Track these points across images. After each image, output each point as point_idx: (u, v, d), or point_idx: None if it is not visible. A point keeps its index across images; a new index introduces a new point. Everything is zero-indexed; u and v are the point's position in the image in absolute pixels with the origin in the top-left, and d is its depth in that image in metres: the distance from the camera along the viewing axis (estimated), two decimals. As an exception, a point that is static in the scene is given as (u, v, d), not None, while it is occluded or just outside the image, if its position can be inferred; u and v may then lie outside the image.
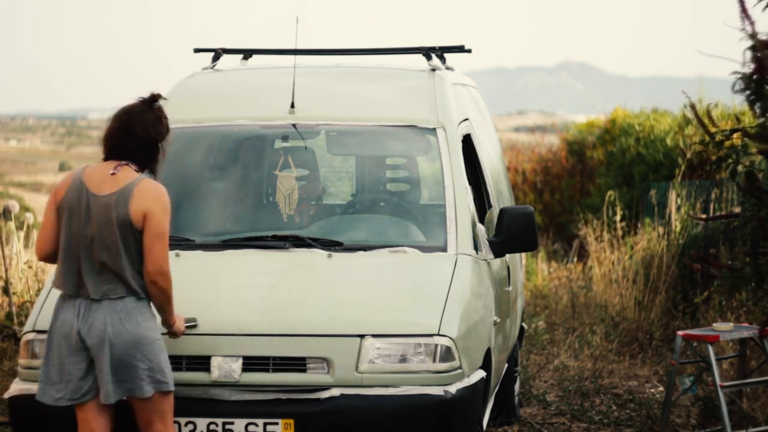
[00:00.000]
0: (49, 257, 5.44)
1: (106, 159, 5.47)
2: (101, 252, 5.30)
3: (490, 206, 7.41)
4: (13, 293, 11.36)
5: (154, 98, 5.48)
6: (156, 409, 5.37)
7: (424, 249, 6.34)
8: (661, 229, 12.22)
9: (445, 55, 7.71)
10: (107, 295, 5.30)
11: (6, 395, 5.87)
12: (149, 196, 5.33)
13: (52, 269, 12.12)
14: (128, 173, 5.37)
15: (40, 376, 5.39)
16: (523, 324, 9.29)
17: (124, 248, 5.30)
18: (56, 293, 6.03)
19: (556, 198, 21.62)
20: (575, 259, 16.24)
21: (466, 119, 7.35)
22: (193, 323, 5.67)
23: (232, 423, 5.63)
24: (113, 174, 5.37)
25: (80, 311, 5.31)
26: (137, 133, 5.39)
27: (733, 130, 7.12)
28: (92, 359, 5.32)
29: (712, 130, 7.21)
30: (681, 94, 9.25)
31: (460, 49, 7.67)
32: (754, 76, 6.82)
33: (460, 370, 5.75)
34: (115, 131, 5.42)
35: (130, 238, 5.31)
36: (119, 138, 5.40)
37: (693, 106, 7.54)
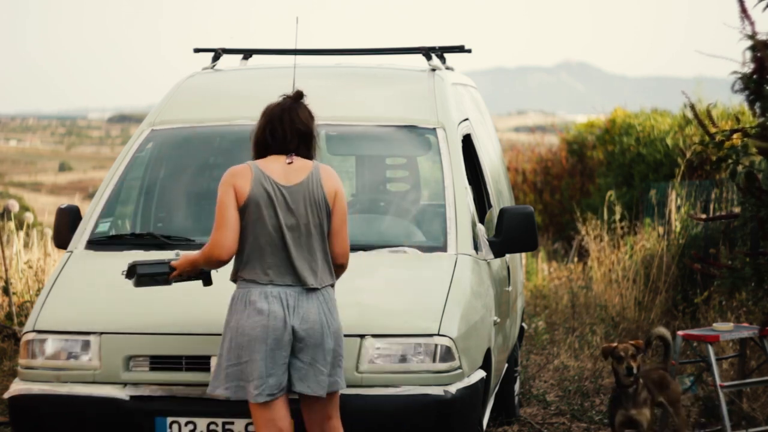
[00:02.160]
0: (231, 257, 5.34)
1: (259, 157, 5.44)
2: (311, 239, 5.32)
3: (490, 206, 7.41)
4: (13, 293, 11.36)
5: (300, 95, 5.52)
6: (336, 402, 5.41)
7: (424, 249, 6.34)
8: (661, 229, 12.22)
9: (445, 55, 7.71)
10: (324, 282, 5.33)
11: (6, 395, 5.87)
12: (334, 177, 5.43)
13: (51, 269, 12.12)
14: (303, 162, 5.41)
15: (231, 374, 5.26)
16: (523, 324, 9.30)
17: (325, 232, 5.36)
18: (59, 293, 6.03)
19: (556, 198, 21.62)
20: (575, 259, 16.24)
21: (466, 119, 7.35)
22: None
23: (232, 423, 5.63)
24: (290, 164, 5.38)
25: (288, 303, 5.27)
26: (297, 128, 5.41)
27: (734, 130, 7.13)
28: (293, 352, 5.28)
29: (712, 130, 7.22)
30: (681, 94, 9.26)
31: (460, 49, 7.67)
32: (754, 76, 6.82)
33: (460, 370, 5.75)
34: (271, 130, 5.42)
35: (325, 220, 5.36)
36: (277, 136, 5.41)
37: (693, 106, 7.54)
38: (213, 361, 5.66)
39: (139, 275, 5.48)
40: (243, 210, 5.31)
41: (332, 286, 5.42)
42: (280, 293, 5.28)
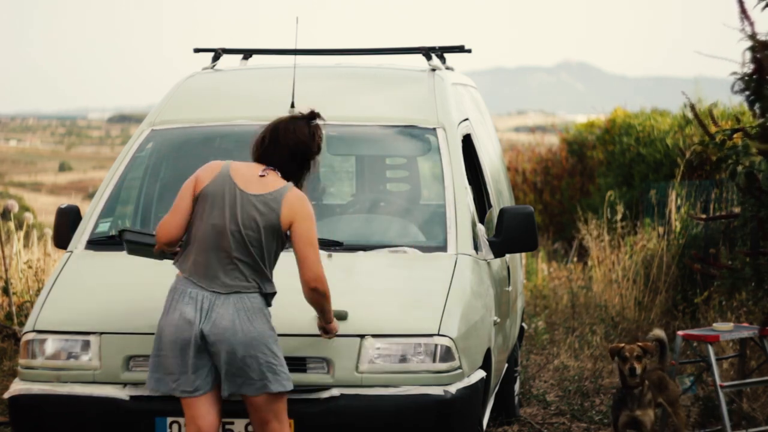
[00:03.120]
0: (174, 243, 5.42)
1: (254, 160, 5.49)
2: (239, 248, 5.32)
3: (490, 206, 7.41)
4: (13, 293, 11.36)
5: (313, 115, 5.52)
6: (276, 407, 5.40)
7: (424, 249, 6.34)
8: (661, 229, 12.22)
9: (445, 55, 7.71)
10: (235, 290, 5.32)
11: (6, 395, 5.87)
12: (296, 205, 5.35)
13: (51, 269, 12.12)
14: (276, 178, 5.40)
15: (152, 366, 5.35)
16: (523, 324, 9.30)
17: (266, 248, 5.34)
18: (59, 293, 6.03)
19: (556, 198, 21.60)
20: (575, 259, 16.23)
21: (466, 119, 7.35)
22: (343, 316, 5.69)
23: (232, 423, 5.63)
24: (262, 176, 5.39)
25: (203, 305, 5.30)
26: (288, 144, 5.42)
27: (734, 130, 7.13)
28: (209, 354, 5.32)
29: (713, 130, 7.21)
30: (681, 94, 9.26)
31: (460, 49, 7.67)
32: (754, 77, 6.82)
33: (460, 370, 5.75)
34: (267, 139, 5.45)
35: (271, 241, 5.35)
36: (269, 146, 5.44)
37: (693, 106, 7.54)
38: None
39: (127, 240, 5.61)
40: (196, 201, 5.38)
41: (263, 297, 5.38)
42: (197, 295, 5.31)
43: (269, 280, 5.43)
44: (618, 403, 7.03)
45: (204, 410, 5.35)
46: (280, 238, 5.39)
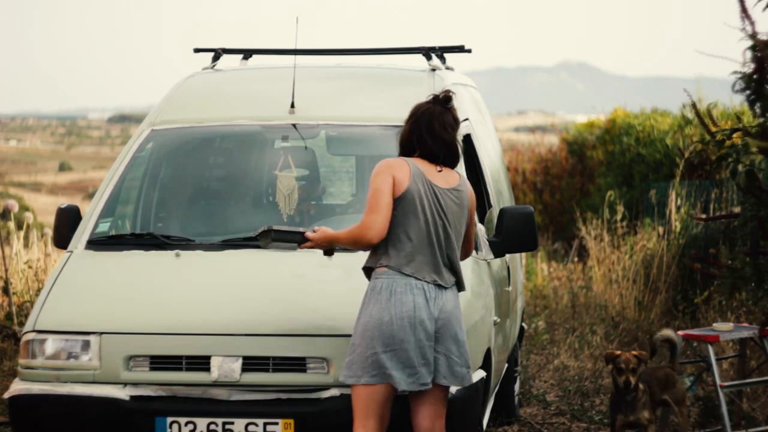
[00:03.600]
0: (381, 238, 5.44)
1: (406, 155, 5.56)
2: (449, 241, 5.46)
3: (490, 206, 7.41)
4: (13, 293, 11.36)
5: (448, 98, 5.59)
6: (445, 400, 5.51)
7: (424, 249, 6.32)
8: (661, 229, 12.22)
9: (445, 55, 7.70)
10: (448, 283, 5.47)
11: (6, 395, 5.87)
12: (472, 193, 5.65)
13: (51, 269, 12.12)
14: (449, 171, 5.56)
15: (378, 362, 5.32)
16: (523, 324, 9.29)
17: (462, 237, 5.57)
18: (59, 293, 6.03)
19: (556, 198, 21.60)
20: (575, 259, 16.24)
21: (466, 119, 7.34)
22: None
23: (232, 423, 5.63)
24: (440, 171, 5.52)
25: (432, 295, 5.40)
26: (438, 134, 5.51)
27: (734, 129, 7.12)
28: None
29: (713, 129, 7.21)
30: (681, 94, 9.25)
31: (460, 49, 7.67)
32: (754, 76, 6.82)
33: (460, 370, 5.74)
34: (418, 132, 5.54)
35: (463, 228, 5.57)
36: (422, 138, 5.52)
37: (694, 105, 7.54)
38: (213, 361, 5.66)
39: (276, 232, 5.56)
40: (398, 200, 5.42)
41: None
42: (423, 287, 5.39)
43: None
44: (613, 407, 7.03)
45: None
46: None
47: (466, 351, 5.47)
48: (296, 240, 5.58)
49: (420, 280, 5.39)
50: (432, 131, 5.51)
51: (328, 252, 5.67)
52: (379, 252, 5.44)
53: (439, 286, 5.42)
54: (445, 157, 5.53)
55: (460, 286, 5.55)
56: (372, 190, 5.42)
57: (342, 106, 7.05)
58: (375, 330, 5.32)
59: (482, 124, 8.17)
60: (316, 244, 5.57)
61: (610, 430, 7.11)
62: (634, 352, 6.97)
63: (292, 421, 5.57)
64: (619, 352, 6.96)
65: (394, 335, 5.31)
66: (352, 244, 5.47)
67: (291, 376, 5.65)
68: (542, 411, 9.04)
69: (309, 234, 5.55)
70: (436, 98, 5.58)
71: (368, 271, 5.51)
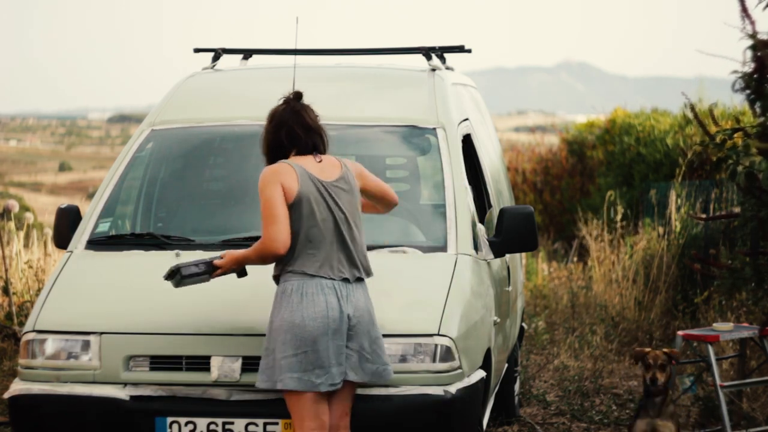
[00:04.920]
0: (287, 248, 5.42)
1: (275, 160, 5.55)
2: (351, 233, 5.48)
3: (490, 206, 7.41)
4: (13, 293, 11.36)
5: (299, 95, 5.67)
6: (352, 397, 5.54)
7: (424, 249, 6.33)
8: (661, 229, 12.22)
9: (445, 55, 7.70)
10: (356, 276, 5.47)
11: (6, 395, 5.87)
12: (352, 165, 5.65)
13: (51, 269, 12.13)
14: (327, 158, 5.59)
15: (289, 365, 5.33)
16: (523, 324, 9.29)
17: (360, 220, 5.57)
18: (59, 293, 6.03)
19: (556, 198, 21.60)
20: (575, 259, 16.23)
21: (466, 119, 7.35)
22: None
23: (232, 423, 5.63)
24: (320, 162, 5.54)
25: (342, 293, 5.40)
26: (309, 125, 5.57)
27: (734, 130, 7.12)
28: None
29: (713, 130, 7.21)
30: (681, 94, 9.25)
31: (460, 49, 7.67)
32: (755, 76, 6.82)
33: (460, 370, 5.75)
34: (288, 130, 5.56)
35: (359, 209, 5.59)
36: (295, 134, 5.55)
37: (693, 107, 7.54)
38: (213, 361, 5.67)
39: (183, 276, 5.52)
40: (292, 206, 5.41)
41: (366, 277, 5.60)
42: (334, 285, 5.38)
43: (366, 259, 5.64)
44: (638, 411, 6.78)
45: (326, 404, 5.46)
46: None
47: (380, 346, 5.46)
48: (207, 272, 5.54)
49: (328, 279, 5.39)
50: (303, 123, 5.55)
51: (241, 273, 5.64)
52: (285, 257, 5.43)
53: (348, 282, 5.43)
54: (319, 144, 5.58)
55: (368, 273, 5.54)
56: (264, 202, 5.40)
57: (342, 107, 7.06)
58: (287, 333, 5.33)
59: (482, 124, 8.17)
60: (226, 270, 5.56)
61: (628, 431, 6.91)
62: (665, 349, 6.81)
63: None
64: (648, 350, 6.80)
65: (306, 337, 5.31)
66: (260, 261, 5.46)
67: None
68: (542, 411, 9.04)
69: (217, 261, 5.54)
70: (289, 98, 5.64)
71: (277, 278, 5.50)
